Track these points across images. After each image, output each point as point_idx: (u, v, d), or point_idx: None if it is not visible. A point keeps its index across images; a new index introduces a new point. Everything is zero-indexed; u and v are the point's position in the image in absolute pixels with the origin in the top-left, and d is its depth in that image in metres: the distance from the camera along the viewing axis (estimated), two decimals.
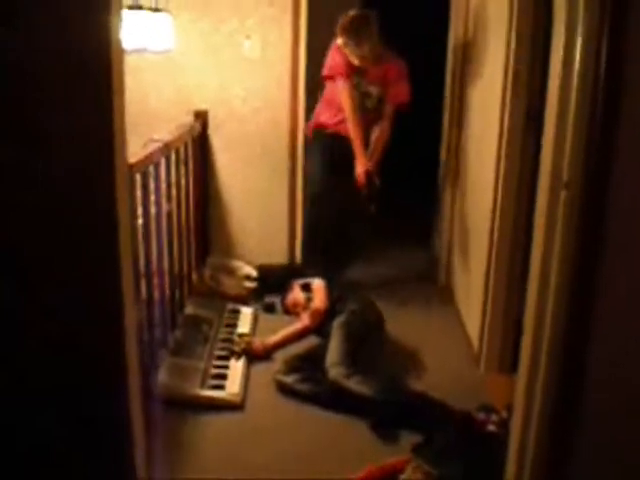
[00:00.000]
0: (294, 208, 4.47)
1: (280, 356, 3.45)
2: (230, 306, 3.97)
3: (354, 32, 3.90)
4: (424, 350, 3.62)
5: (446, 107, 4.55)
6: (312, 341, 3.56)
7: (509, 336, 3.36)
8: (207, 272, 4.16)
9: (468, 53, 4.08)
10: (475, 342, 3.53)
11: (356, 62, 3.98)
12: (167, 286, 3.46)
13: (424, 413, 2.87)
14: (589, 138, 1.58)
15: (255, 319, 3.92)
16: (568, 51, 1.67)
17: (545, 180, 1.72)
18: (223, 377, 3.18)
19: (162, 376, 3.09)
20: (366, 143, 4.09)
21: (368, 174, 4.01)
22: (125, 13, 2.81)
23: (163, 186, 3.29)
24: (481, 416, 2.58)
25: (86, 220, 1.44)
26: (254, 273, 4.25)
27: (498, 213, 3.21)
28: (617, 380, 1.69)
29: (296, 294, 3.87)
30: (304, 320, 3.64)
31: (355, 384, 3.03)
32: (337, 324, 3.37)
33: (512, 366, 3.31)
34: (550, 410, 2.05)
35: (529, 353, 2.12)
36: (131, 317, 1.64)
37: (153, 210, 3.10)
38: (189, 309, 3.78)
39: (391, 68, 4.08)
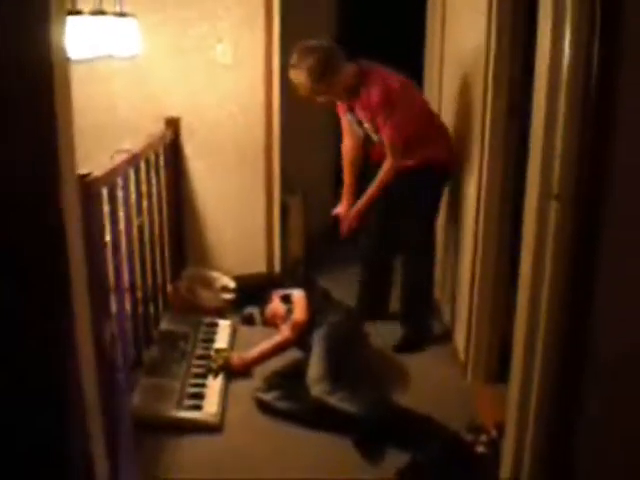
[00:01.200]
0: (271, 216, 4.34)
1: (260, 371, 3.32)
2: (207, 320, 3.83)
3: (317, 82, 3.35)
4: (409, 361, 3.52)
5: None
6: (293, 355, 3.42)
7: (495, 346, 3.27)
8: (183, 284, 4.02)
9: (445, 50, 3.98)
10: (461, 352, 3.42)
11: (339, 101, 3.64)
12: (140, 301, 3.32)
13: (410, 430, 2.76)
14: (581, 145, 1.46)
15: (233, 332, 3.79)
16: (555, 46, 1.55)
17: (533, 190, 1.61)
18: (200, 396, 3.04)
19: (136, 397, 2.95)
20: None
21: (341, 218, 3.78)
22: (87, 19, 2.67)
23: (133, 198, 3.17)
24: (469, 437, 2.47)
25: (28, 244, 1.30)
26: (232, 284, 4.11)
27: (482, 218, 3.10)
28: (615, 393, 1.60)
29: (276, 305, 3.71)
30: (284, 333, 3.48)
31: (338, 401, 2.90)
32: (317, 337, 3.23)
33: (499, 376, 3.25)
34: (545, 428, 1.95)
35: (520, 370, 2.03)
36: (86, 347, 1.50)
37: (122, 224, 2.97)
38: (164, 324, 3.65)
39: (369, 96, 3.41)
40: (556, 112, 1.51)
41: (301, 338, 3.40)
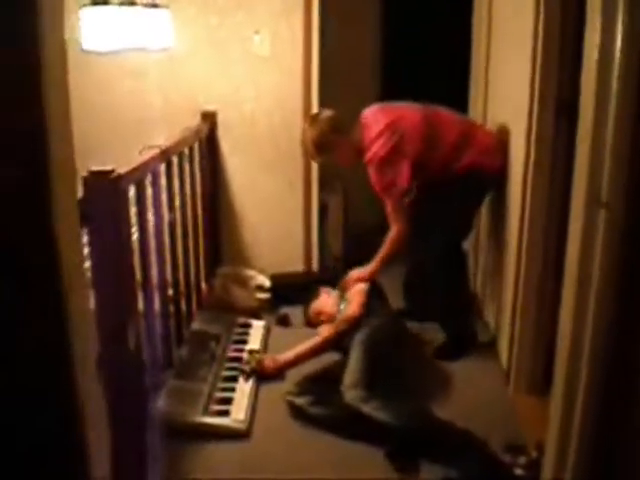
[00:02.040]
0: (309, 214, 4.22)
1: (293, 375, 3.20)
2: (241, 320, 3.73)
3: (319, 154, 3.43)
4: (450, 368, 3.36)
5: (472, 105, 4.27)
6: (328, 359, 3.30)
7: (539, 355, 3.09)
8: (218, 282, 3.93)
9: (493, 39, 3.79)
10: (504, 361, 3.25)
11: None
12: (172, 300, 3.24)
13: (446, 445, 2.61)
14: (633, 148, 1.30)
15: (267, 333, 3.69)
16: (605, 38, 1.38)
17: (579, 198, 1.44)
18: (229, 401, 2.94)
19: (163, 401, 2.86)
20: None
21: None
22: (115, 10, 2.58)
23: (164, 194, 3.08)
24: (508, 458, 2.31)
25: (17, 244, 1.20)
26: (267, 283, 4.01)
27: (527, 222, 2.93)
28: None
29: (324, 301, 3.57)
30: (324, 333, 3.32)
31: (373, 409, 2.75)
32: (358, 340, 3.08)
33: (542, 387, 3.07)
34: (589, 444, 1.78)
35: (563, 385, 1.86)
36: (83, 346, 1.40)
37: (151, 221, 2.88)
38: (196, 324, 3.56)
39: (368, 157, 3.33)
40: (606, 112, 1.35)
41: (342, 338, 3.26)
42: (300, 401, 2.92)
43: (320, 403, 2.90)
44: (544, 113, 2.77)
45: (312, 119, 3.45)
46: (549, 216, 2.89)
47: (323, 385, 2.98)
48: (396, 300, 3.79)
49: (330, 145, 3.35)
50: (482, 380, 3.28)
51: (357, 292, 3.36)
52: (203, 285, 3.90)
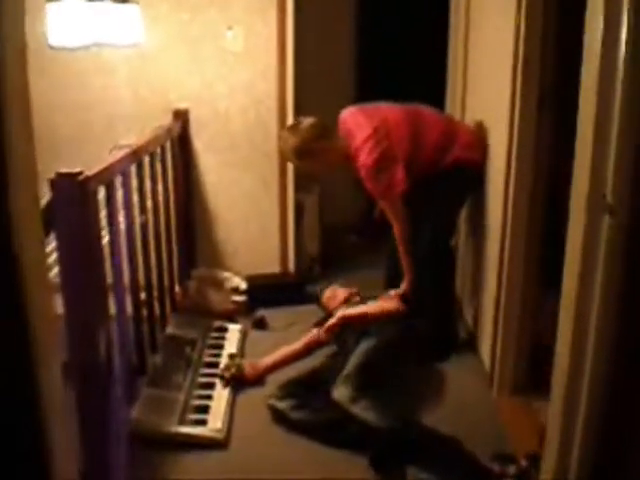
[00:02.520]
0: (285, 214, 4.13)
1: (274, 379, 3.12)
2: (216, 324, 3.63)
3: (300, 160, 3.34)
4: (433, 370, 3.29)
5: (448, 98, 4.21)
6: (313, 361, 3.21)
7: (523, 357, 3.04)
8: (192, 285, 3.82)
9: (471, 34, 3.72)
10: (487, 362, 3.18)
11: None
12: (144, 304, 3.13)
13: (433, 452, 2.53)
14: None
15: (244, 337, 3.59)
16: (610, 23, 1.29)
17: (579, 201, 1.35)
18: (205, 409, 2.84)
19: (137, 410, 2.75)
20: None
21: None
22: (80, 4, 2.46)
23: (135, 196, 2.97)
24: (497, 468, 2.24)
25: None
26: (243, 285, 3.91)
27: (510, 216, 2.86)
28: None
29: (338, 290, 3.57)
30: (306, 337, 3.32)
31: (360, 409, 2.67)
32: (367, 345, 2.98)
33: (526, 388, 3.04)
34: (594, 444, 1.67)
35: (564, 398, 1.75)
36: (45, 350, 1.30)
37: (122, 223, 2.78)
38: (171, 328, 3.45)
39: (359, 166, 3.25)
40: (610, 105, 1.26)
41: (338, 335, 3.21)
42: (282, 405, 2.83)
43: (303, 407, 2.81)
44: (526, 107, 2.71)
45: (293, 127, 3.33)
46: (532, 210, 2.83)
47: (307, 389, 2.89)
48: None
49: (313, 152, 3.24)
50: (465, 382, 3.20)
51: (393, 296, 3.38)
52: (177, 288, 3.79)
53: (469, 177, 3.37)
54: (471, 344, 3.51)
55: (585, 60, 1.40)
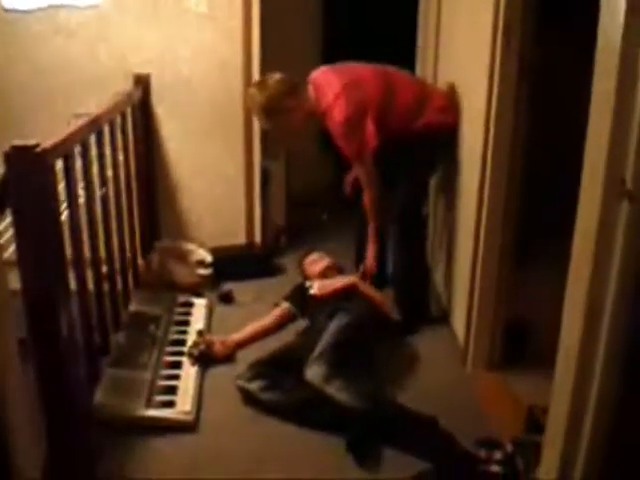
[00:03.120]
0: (251, 182, 3.98)
1: (244, 356, 3.02)
2: (181, 299, 3.49)
3: (274, 120, 3.19)
4: (405, 345, 3.21)
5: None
6: (281, 340, 3.12)
7: (498, 331, 2.97)
8: (155, 258, 3.68)
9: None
10: (461, 336, 3.12)
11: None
12: (106, 278, 2.98)
13: (413, 434, 2.46)
14: None
15: (210, 312, 3.46)
16: None
17: (593, 183, 1.24)
18: (173, 390, 2.72)
19: (101, 392, 2.63)
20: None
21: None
22: None
23: (95, 167, 2.81)
24: (482, 453, 2.17)
25: None
26: (208, 258, 3.77)
27: (487, 185, 2.76)
28: None
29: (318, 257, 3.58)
30: (276, 311, 3.33)
31: (335, 390, 2.58)
32: (340, 321, 2.90)
33: (501, 363, 2.98)
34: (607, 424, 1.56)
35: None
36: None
37: (82, 196, 2.62)
38: (134, 305, 3.31)
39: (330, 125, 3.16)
40: (632, 81, 1.16)
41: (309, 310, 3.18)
42: (252, 386, 2.72)
43: (274, 388, 2.71)
44: (506, 75, 2.60)
45: (260, 83, 3.21)
46: (510, 185, 2.74)
47: (277, 368, 2.78)
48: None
49: (282, 109, 3.11)
50: (438, 357, 3.14)
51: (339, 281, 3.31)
52: (140, 261, 3.64)
53: (442, 141, 3.29)
54: (443, 316, 3.44)
55: (603, 24, 1.28)
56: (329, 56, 4.66)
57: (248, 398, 2.73)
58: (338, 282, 3.26)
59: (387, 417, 2.55)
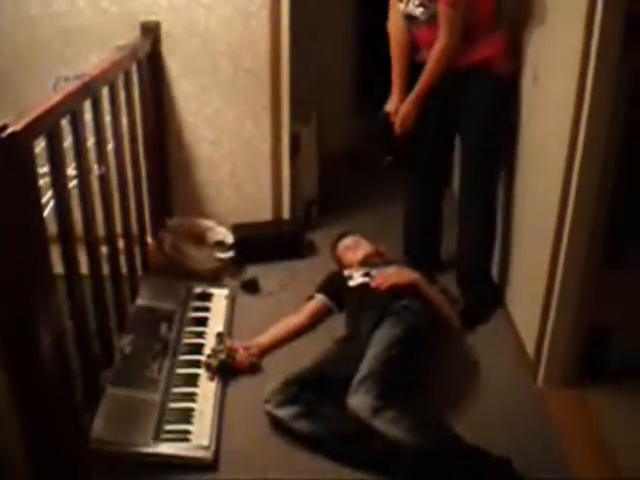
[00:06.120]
0: (278, 149, 3.42)
1: (272, 364, 2.57)
2: (197, 289, 2.99)
3: None
4: (461, 353, 2.71)
5: None
6: (317, 347, 2.60)
7: (578, 341, 2.47)
8: (167, 239, 3.18)
9: None
10: (531, 349, 2.61)
11: None
12: (107, 260, 2.50)
13: (478, 476, 2.00)
14: None
15: (232, 305, 2.96)
16: None
17: None
18: (188, 416, 2.24)
19: (100, 422, 2.15)
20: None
21: (391, 117, 2.94)
22: None
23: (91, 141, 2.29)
24: None
25: None
26: (229, 238, 3.26)
27: (575, 179, 2.23)
28: None
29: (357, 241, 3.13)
30: (309, 306, 2.87)
31: (384, 423, 2.11)
32: (391, 334, 2.41)
33: (580, 378, 2.51)
34: None
35: None
36: None
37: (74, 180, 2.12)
38: (142, 298, 2.82)
39: None
40: None
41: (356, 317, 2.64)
42: (283, 413, 2.24)
43: (309, 416, 2.22)
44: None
45: None
46: (605, 157, 2.21)
47: (313, 390, 2.28)
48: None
49: None
50: (502, 365, 2.64)
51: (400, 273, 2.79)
52: (149, 242, 3.15)
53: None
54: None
55: None
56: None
57: (278, 426, 2.25)
58: (399, 275, 2.75)
59: (447, 455, 2.07)
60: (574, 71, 2.17)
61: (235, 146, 3.40)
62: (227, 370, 2.49)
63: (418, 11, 2.71)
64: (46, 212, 1.85)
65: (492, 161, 2.93)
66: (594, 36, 2.08)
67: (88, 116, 2.23)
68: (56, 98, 1.92)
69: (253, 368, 2.56)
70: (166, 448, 2.11)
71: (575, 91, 2.17)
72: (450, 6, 2.62)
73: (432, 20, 2.70)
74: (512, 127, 2.87)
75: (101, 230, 2.42)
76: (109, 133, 2.48)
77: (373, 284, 2.71)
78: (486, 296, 3.00)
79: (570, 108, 2.21)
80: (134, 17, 3.02)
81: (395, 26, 2.89)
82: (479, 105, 2.81)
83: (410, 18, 2.78)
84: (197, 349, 2.59)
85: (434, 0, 2.64)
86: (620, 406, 2.41)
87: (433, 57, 2.75)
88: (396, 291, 2.65)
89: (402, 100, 2.91)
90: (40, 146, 1.85)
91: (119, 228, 2.64)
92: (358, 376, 2.23)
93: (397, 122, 2.90)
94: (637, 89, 2.15)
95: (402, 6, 2.77)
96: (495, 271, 3.10)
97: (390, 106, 2.96)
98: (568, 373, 2.51)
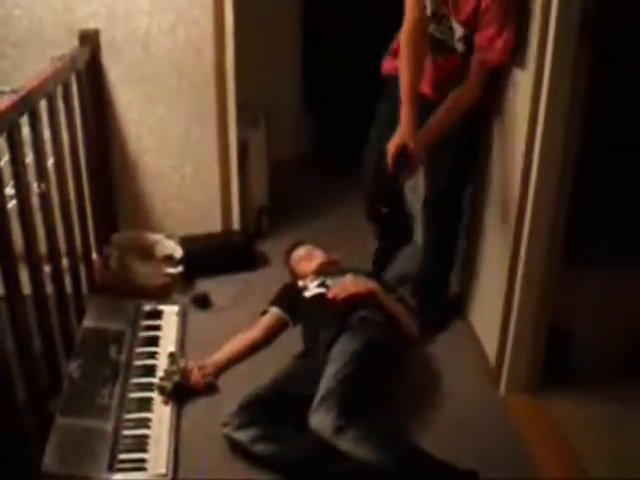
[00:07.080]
0: (226, 157, 3.33)
1: (229, 383, 2.48)
2: (147, 306, 2.88)
3: None
4: (429, 373, 2.65)
5: None
6: (275, 364, 2.49)
7: (539, 347, 2.46)
8: (113, 255, 3.05)
9: None
10: (492, 358, 2.58)
11: None
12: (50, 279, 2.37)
13: None
14: None
15: (183, 322, 2.85)
16: None
17: None
18: (142, 443, 2.13)
19: (50, 456, 2.03)
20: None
21: (402, 150, 2.45)
22: None
23: (29, 158, 2.17)
24: None
25: None
26: (179, 252, 3.15)
27: (534, 180, 2.21)
28: None
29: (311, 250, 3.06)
30: (264, 321, 2.76)
31: (349, 442, 2.02)
32: (348, 350, 2.31)
33: (542, 384, 2.50)
34: None
35: None
36: None
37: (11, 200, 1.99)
38: (89, 319, 2.70)
39: None
40: None
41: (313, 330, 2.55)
42: (242, 436, 2.14)
43: (270, 438, 2.13)
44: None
45: None
46: (563, 164, 2.21)
47: (272, 410, 2.20)
48: None
49: None
50: (463, 373, 2.61)
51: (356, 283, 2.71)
52: (95, 260, 3.02)
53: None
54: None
55: None
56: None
57: (237, 449, 2.16)
58: (355, 284, 2.68)
59: (414, 473, 2.01)
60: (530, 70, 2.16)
61: (181, 155, 3.28)
62: (182, 392, 2.38)
63: (459, 46, 2.48)
64: None
65: (460, 173, 2.80)
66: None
67: (26, 131, 2.11)
68: None
69: (209, 388, 2.46)
70: (121, 478, 2.01)
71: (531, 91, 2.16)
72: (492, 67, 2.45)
73: (455, 55, 2.51)
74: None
75: (43, 248, 2.29)
76: (49, 148, 2.35)
77: (329, 294, 2.64)
78: (441, 304, 2.96)
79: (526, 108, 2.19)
80: (72, 26, 2.89)
81: (418, 21, 2.45)
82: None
83: (439, 42, 2.53)
84: (149, 371, 2.48)
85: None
86: (584, 410, 2.41)
87: (459, 103, 2.50)
88: (353, 301, 2.58)
89: (413, 133, 2.45)
90: None
91: (62, 246, 2.51)
92: (318, 395, 2.15)
93: (409, 164, 2.49)
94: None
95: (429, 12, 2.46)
96: (454, 281, 3.06)
97: (397, 139, 2.47)
98: (530, 380, 2.50)
